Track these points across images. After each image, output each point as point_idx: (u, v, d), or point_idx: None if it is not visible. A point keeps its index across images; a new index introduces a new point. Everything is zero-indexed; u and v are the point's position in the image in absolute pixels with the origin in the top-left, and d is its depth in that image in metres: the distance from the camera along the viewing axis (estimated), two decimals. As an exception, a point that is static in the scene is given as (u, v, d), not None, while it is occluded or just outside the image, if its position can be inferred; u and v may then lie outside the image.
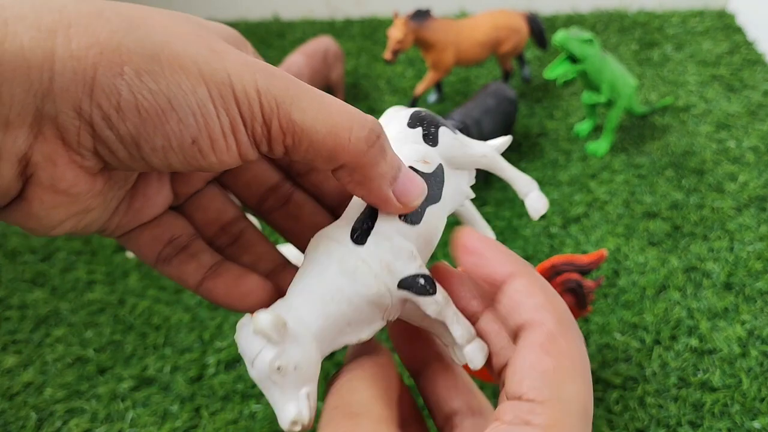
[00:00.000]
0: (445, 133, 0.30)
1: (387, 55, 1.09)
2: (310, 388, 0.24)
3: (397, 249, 0.26)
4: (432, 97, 1.28)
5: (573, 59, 0.99)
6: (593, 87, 1.03)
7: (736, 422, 0.70)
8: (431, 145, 0.30)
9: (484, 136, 1.00)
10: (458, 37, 1.12)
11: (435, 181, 0.29)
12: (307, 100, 0.22)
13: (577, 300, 0.67)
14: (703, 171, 1.04)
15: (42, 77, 0.19)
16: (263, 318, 0.22)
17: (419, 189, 0.27)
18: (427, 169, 0.28)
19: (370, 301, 0.25)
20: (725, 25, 1.43)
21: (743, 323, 0.80)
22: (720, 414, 0.71)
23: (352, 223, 0.27)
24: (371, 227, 0.26)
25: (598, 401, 0.73)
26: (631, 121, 1.17)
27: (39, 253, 1.00)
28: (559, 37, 0.96)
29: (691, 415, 0.71)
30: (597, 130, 1.15)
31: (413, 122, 0.30)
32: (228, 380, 0.78)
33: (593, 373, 0.76)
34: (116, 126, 0.20)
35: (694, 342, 0.78)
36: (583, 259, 0.67)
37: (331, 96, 0.24)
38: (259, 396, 0.76)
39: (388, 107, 1.27)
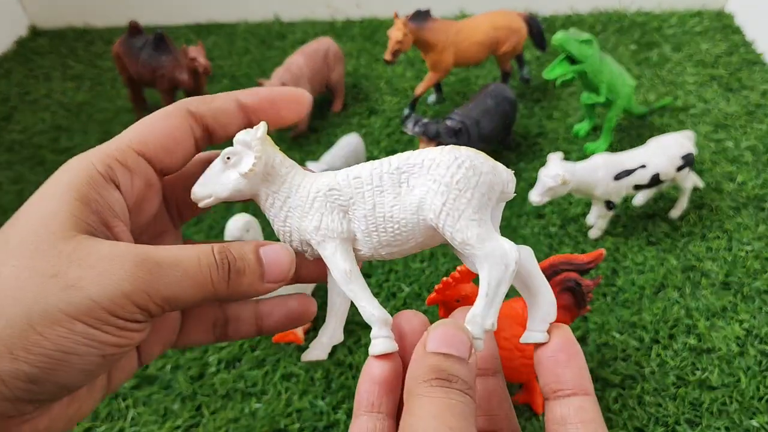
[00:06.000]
0: None
1: (387, 55, 1.10)
2: None
3: None
4: (432, 98, 1.28)
5: (572, 60, 0.99)
6: (592, 87, 1.04)
7: (734, 421, 0.70)
8: None
9: (483, 136, 1.01)
10: (457, 38, 1.12)
11: None
12: (168, 270, 0.26)
13: (576, 299, 0.67)
14: (701, 171, 1.04)
15: None
16: None
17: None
18: None
19: None
20: (724, 25, 1.43)
21: (741, 322, 0.81)
22: (718, 413, 0.71)
23: None
24: None
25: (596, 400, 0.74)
26: (630, 122, 1.18)
27: (40, 253, 1.01)
28: (558, 37, 0.97)
29: (689, 414, 0.71)
30: (595, 130, 1.16)
31: None
32: (229, 379, 0.78)
33: (592, 372, 0.76)
34: (39, 395, 0.24)
35: (692, 341, 0.79)
36: (581, 258, 0.68)
37: (182, 247, 0.27)
38: (260, 394, 0.77)
39: (388, 107, 1.27)
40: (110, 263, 0.25)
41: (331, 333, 0.33)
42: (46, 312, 0.24)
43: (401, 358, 0.29)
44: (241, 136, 0.30)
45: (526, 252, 0.30)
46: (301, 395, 0.76)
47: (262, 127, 0.30)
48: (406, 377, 0.27)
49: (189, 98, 0.30)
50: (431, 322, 0.31)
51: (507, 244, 0.28)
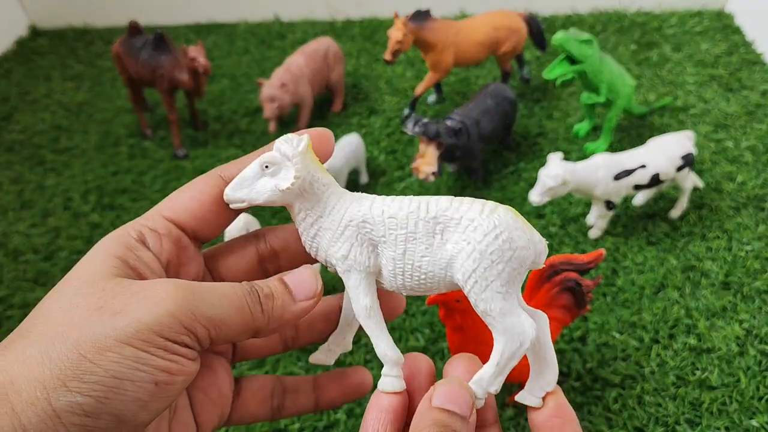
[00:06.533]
0: None
1: (387, 55, 1.10)
2: None
3: None
4: (431, 98, 1.28)
5: (572, 60, 0.99)
6: (592, 87, 1.04)
7: (734, 421, 0.70)
8: None
9: (483, 136, 1.01)
10: (458, 38, 1.12)
11: None
12: (208, 293, 0.27)
13: (576, 299, 0.67)
14: (701, 171, 1.04)
15: None
16: None
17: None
18: None
19: None
20: (724, 25, 1.43)
21: (741, 322, 0.81)
22: (718, 412, 0.71)
23: None
24: None
25: (596, 400, 0.74)
26: (630, 122, 1.18)
27: (41, 252, 1.01)
28: (558, 37, 0.96)
29: (689, 414, 0.71)
30: (596, 130, 1.16)
31: None
32: (228, 379, 0.79)
33: (591, 372, 0.76)
34: (94, 423, 0.24)
35: (692, 341, 0.79)
36: (581, 258, 0.67)
37: (222, 284, 0.28)
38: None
39: (387, 107, 1.27)
40: (153, 289, 0.26)
41: (341, 342, 0.34)
42: (96, 340, 0.24)
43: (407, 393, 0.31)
44: (283, 147, 0.29)
45: (543, 321, 0.30)
46: (301, 395, 0.76)
47: (305, 140, 0.30)
48: (410, 428, 0.27)
49: (223, 165, 0.31)
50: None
51: (527, 322, 0.29)
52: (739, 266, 0.88)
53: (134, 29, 1.15)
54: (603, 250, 0.69)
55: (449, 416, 0.27)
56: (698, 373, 0.75)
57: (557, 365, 0.30)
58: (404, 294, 0.31)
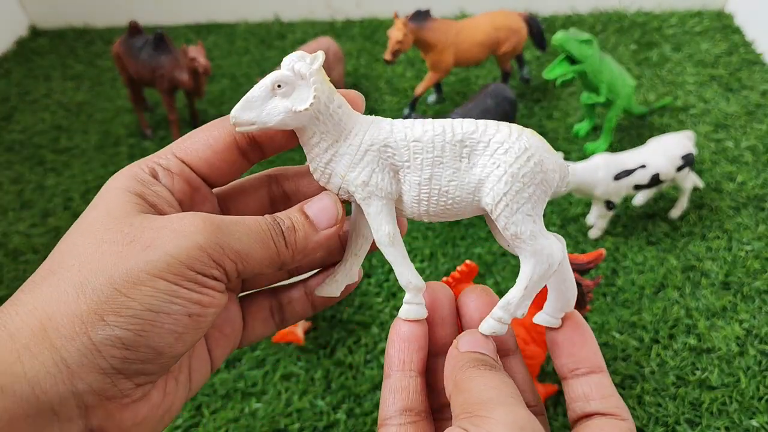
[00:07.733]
0: None
1: (387, 55, 1.10)
2: None
3: None
4: (432, 98, 1.28)
5: (572, 60, 0.99)
6: (592, 87, 1.04)
7: (734, 421, 0.70)
8: None
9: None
10: (458, 38, 1.12)
11: None
12: (234, 227, 0.27)
13: (576, 299, 0.67)
14: (701, 171, 1.04)
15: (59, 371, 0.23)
16: None
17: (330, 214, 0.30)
18: None
19: None
20: (724, 25, 1.43)
21: (741, 322, 0.81)
22: (718, 412, 0.71)
23: None
24: None
25: (596, 400, 0.74)
26: (630, 122, 1.18)
27: (41, 252, 1.01)
28: (558, 37, 0.96)
29: (689, 414, 0.71)
30: (596, 130, 1.16)
31: None
32: (229, 378, 0.78)
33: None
34: (134, 363, 0.24)
35: (692, 341, 0.79)
36: (581, 258, 0.67)
37: (247, 217, 0.28)
38: (260, 394, 0.77)
39: (388, 107, 1.27)
40: (180, 223, 0.26)
41: (347, 271, 0.32)
42: (129, 274, 0.24)
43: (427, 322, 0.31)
44: (297, 64, 0.27)
45: (563, 243, 0.30)
46: (301, 395, 0.76)
47: (320, 57, 0.28)
48: (448, 372, 0.28)
49: None
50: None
51: (555, 244, 0.29)
52: (739, 266, 0.88)
53: (134, 29, 1.15)
54: (603, 250, 0.69)
55: (480, 354, 0.29)
56: (698, 373, 0.75)
57: (575, 287, 0.31)
58: (425, 220, 0.30)
